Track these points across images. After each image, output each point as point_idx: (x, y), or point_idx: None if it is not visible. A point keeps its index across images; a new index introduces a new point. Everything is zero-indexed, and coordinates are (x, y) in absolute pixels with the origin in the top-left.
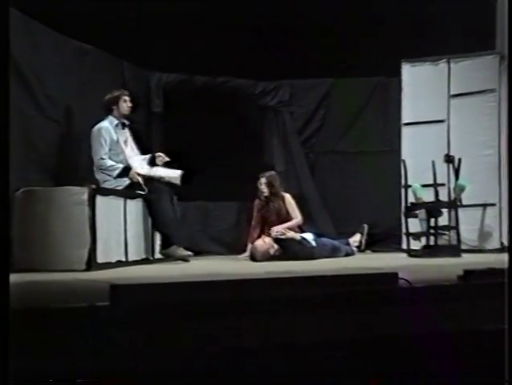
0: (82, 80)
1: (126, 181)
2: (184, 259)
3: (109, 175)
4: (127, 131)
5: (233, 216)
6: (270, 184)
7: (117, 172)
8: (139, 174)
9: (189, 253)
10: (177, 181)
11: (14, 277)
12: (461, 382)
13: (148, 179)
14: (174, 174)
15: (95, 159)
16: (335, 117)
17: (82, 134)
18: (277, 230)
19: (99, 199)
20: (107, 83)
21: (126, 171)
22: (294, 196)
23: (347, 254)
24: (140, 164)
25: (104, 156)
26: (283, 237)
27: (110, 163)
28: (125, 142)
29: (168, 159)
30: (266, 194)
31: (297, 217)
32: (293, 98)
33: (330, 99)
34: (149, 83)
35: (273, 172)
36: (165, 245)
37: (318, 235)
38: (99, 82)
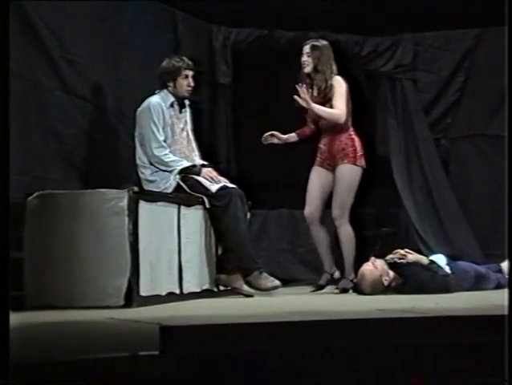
0: (118, 40)
1: (173, 181)
2: (246, 293)
3: (165, 170)
4: (187, 115)
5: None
6: (316, 55)
7: (177, 170)
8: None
9: (277, 282)
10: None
11: (24, 317)
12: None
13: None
14: (211, 186)
15: (146, 149)
16: (483, 86)
17: (119, 115)
18: (394, 252)
19: (144, 206)
20: (154, 42)
21: (194, 170)
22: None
23: (499, 286)
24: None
25: (161, 144)
26: (403, 260)
27: (170, 156)
28: (182, 129)
29: (217, 177)
30: (307, 70)
31: (338, 108)
32: (417, 59)
33: (474, 59)
34: (212, 41)
35: (325, 42)
36: (230, 269)
37: (455, 258)
38: (142, 41)
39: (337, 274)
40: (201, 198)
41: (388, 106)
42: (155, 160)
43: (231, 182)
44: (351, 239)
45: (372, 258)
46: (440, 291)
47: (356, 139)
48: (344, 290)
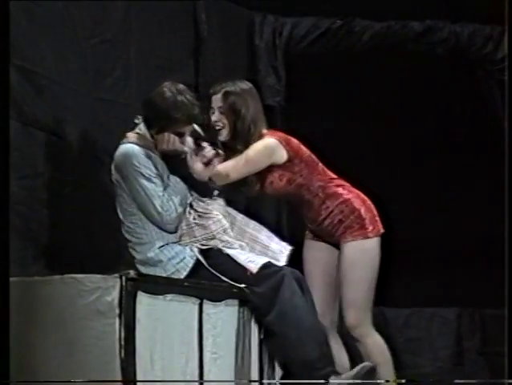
0: (103, 38)
1: (189, 258)
2: None
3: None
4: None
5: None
6: (233, 109)
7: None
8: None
9: None
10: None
11: None
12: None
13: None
14: (279, 249)
15: (145, 209)
16: None
17: (103, 156)
18: None
19: (145, 301)
20: (162, 42)
21: None
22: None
23: None
24: None
25: (168, 203)
26: None
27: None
28: None
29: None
30: (223, 137)
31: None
32: None
33: None
34: (255, 39)
35: (245, 86)
36: None
37: None
38: (142, 40)
39: None
40: (237, 286)
41: None
42: (164, 223)
43: None
44: (384, 352)
45: None
46: None
47: (353, 196)
48: None
